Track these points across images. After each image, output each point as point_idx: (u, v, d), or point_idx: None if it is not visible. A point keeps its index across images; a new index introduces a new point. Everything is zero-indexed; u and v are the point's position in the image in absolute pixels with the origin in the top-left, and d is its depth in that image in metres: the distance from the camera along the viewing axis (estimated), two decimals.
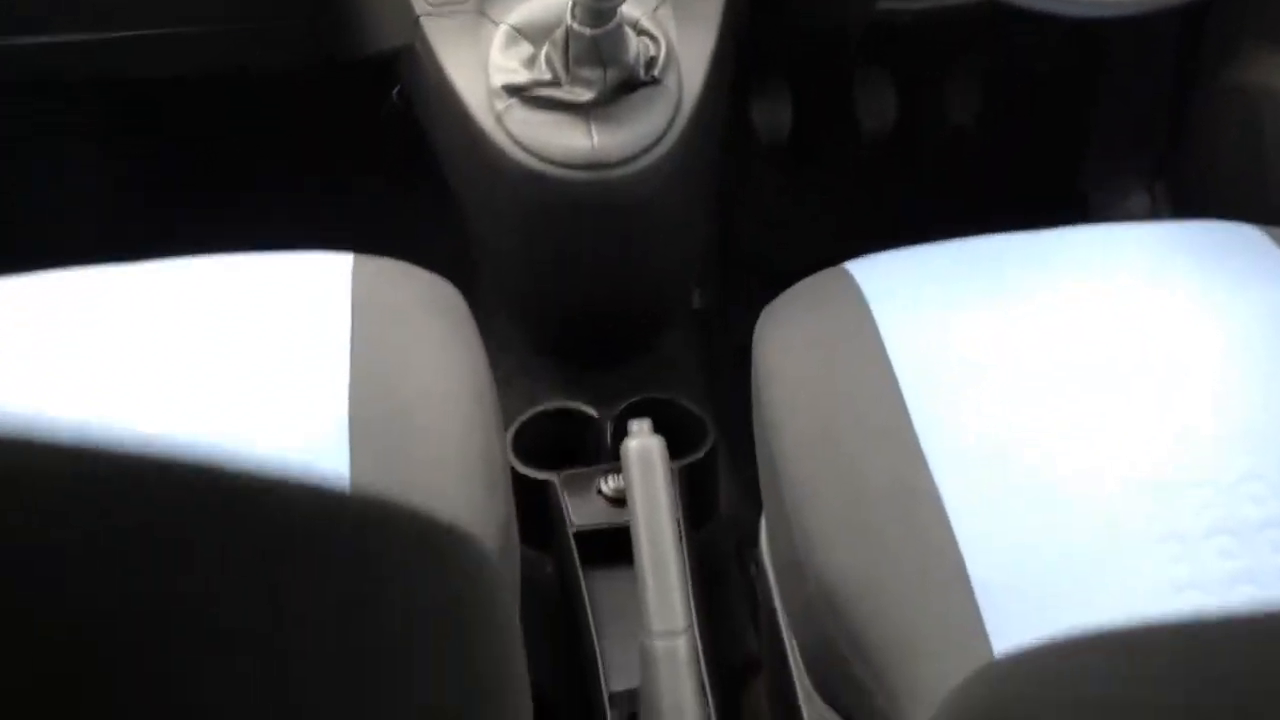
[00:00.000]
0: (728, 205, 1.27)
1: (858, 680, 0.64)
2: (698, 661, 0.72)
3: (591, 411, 1.00)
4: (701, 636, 0.82)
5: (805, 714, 0.74)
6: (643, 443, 0.78)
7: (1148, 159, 1.24)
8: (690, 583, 0.81)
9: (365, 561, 0.30)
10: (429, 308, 0.78)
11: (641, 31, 0.82)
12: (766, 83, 1.30)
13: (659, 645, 0.69)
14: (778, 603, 0.77)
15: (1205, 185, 1.16)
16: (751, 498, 0.85)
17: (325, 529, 0.29)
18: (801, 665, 0.74)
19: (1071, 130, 1.30)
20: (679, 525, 0.83)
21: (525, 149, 0.81)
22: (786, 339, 0.76)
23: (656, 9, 0.85)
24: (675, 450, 0.92)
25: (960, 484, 0.66)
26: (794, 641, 0.75)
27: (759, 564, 0.83)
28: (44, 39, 0.97)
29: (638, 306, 1.01)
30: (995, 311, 0.75)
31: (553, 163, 0.81)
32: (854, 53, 1.28)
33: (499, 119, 0.82)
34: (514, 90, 0.81)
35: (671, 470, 0.88)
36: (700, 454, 0.96)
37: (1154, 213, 1.24)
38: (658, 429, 0.85)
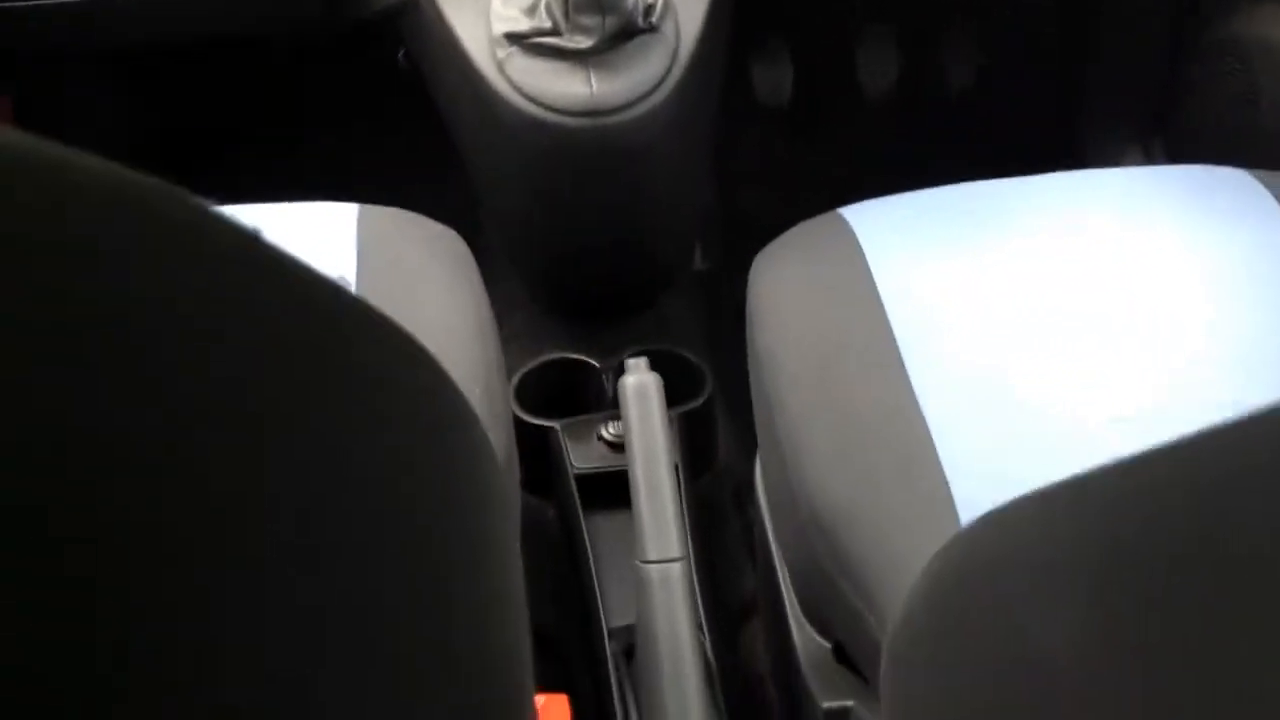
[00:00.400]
0: (730, 167, 1.29)
1: (848, 602, 0.66)
2: (693, 587, 0.73)
3: (593, 361, 1.02)
4: (700, 579, 0.84)
5: (797, 642, 0.75)
6: (639, 379, 0.80)
7: (1145, 115, 1.26)
8: (688, 522, 0.83)
9: (355, 369, 0.29)
10: (433, 253, 0.80)
11: None
12: (767, 45, 1.31)
13: (654, 570, 0.71)
14: (771, 534, 0.78)
15: (1200, 139, 1.18)
16: (749, 450, 0.87)
17: (319, 318, 0.27)
18: (794, 595, 0.76)
19: (1069, 88, 1.31)
20: (676, 465, 0.84)
21: (526, 96, 0.83)
22: (781, 278, 0.78)
23: None
24: (675, 400, 0.94)
25: (947, 413, 0.68)
26: (786, 571, 0.77)
27: (755, 504, 0.85)
28: (54, 4, 0.98)
29: (639, 258, 1.02)
30: (985, 251, 0.77)
31: (553, 109, 0.83)
32: (854, 12, 1.29)
33: (500, 67, 0.84)
34: (515, 38, 0.83)
35: (671, 418, 0.90)
36: (699, 401, 0.98)
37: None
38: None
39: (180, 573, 0.22)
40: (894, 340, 0.72)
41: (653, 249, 1.02)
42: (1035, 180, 0.82)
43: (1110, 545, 0.35)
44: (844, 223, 0.80)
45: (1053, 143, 1.32)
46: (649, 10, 0.84)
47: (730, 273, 1.25)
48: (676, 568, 0.72)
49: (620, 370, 0.94)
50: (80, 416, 0.21)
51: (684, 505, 0.82)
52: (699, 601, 0.80)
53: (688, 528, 0.80)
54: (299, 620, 0.25)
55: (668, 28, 0.85)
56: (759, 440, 0.79)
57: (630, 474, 0.75)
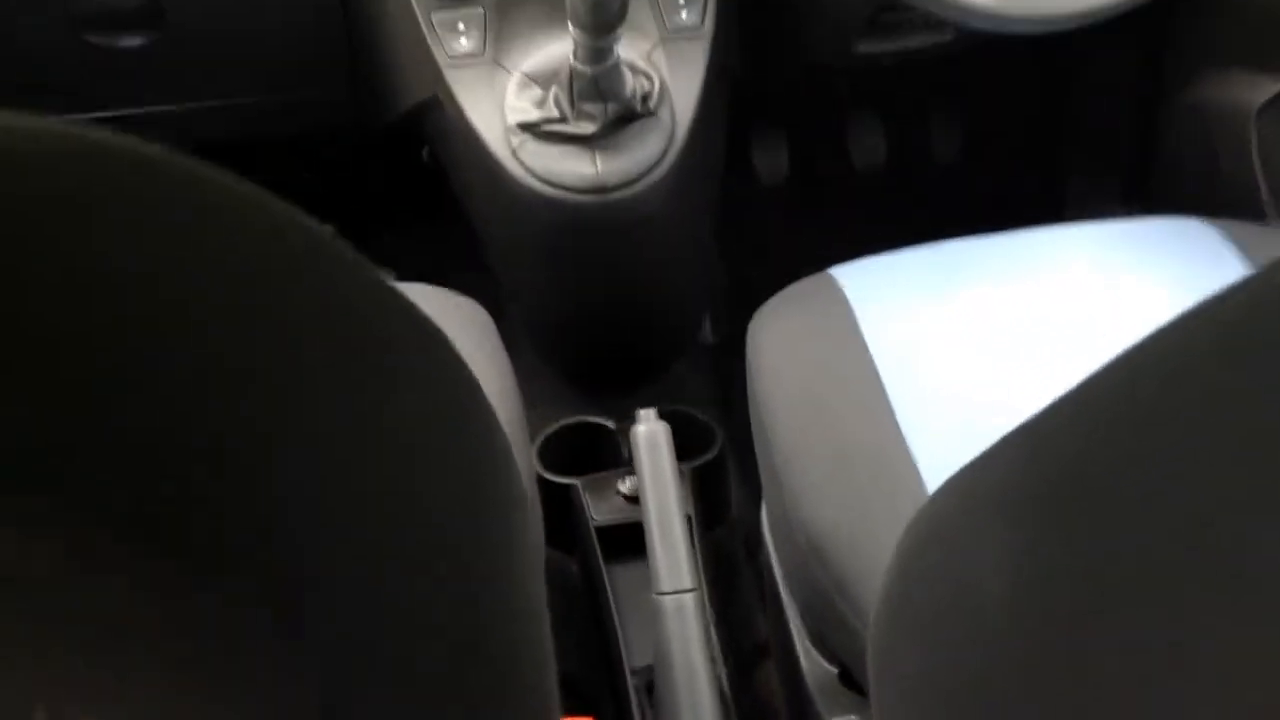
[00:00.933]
0: (735, 245, 1.37)
1: (847, 623, 0.72)
2: (706, 616, 0.79)
3: (609, 424, 1.09)
4: (716, 624, 0.90)
5: (805, 668, 0.81)
6: (650, 426, 0.87)
7: (1122, 174, 1.33)
8: (702, 567, 0.89)
9: (374, 348, 0.28)
10: (459, 323, 0.87)
11: (637, 71, 0.93)
12: (764, 131, 1.40)
13: (669, 601, 0.77)
14: (776, 566, 0.84)
15: (1173, 193, 1.25)
16: (760, 505, 0.93)
17: (343, 304, 0.27)
18: (801, 624, 0.82)
19: (1050, 153, 1.39)
20: (689, 515, 0.91)
21: (538, 177, 0.91)
22: (776, 330, 0.86)
23: (650, 52, 0.95)
24: (687, 456, 1.01)
25: (930, 445, 0.75)
26: (793, 601, 0.82)
27: (763, 542, 0.91)
28: (93, 115, 1.07)
29: (649, 326, 1.10)
30: (964, 298, 0.84)
31: (563, 188, 0.91)
32: (843, 96, 1.39)
33: (514, 153, 0.92)
34: (527, 127, 0.92)
35: (683, 471, 0.96)
36: (710, 455, 1.04)
37: None
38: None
39: (190, 577, 0.22)
40: (879, 381, 0.79)
41: (661, 317, 1.10)
42: (1013, 236, 0.90)
43: (1042, 483, 0.38)
44: (833, 280, 0.87)
45: (1037, 205, 1.40)
46: (646, 98, 0.93)
47: (738, 344, 1.33)
48: (690, 598, 0.78)
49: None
50: (95, 408, 0.21)
51: (698, 549, 0.87)
52: (713, 634, 0.85)
53: (701, 570, 0.86)
54: (305, 620, 0.25)
55: (664, 113, 0.93)
56: (762, 481, 0.86)
57: (643, 512, 0.82)
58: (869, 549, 0.71)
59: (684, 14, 0.97)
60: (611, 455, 1.08)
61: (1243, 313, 0.31)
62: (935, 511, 0.48)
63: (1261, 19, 1.12)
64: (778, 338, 0.85)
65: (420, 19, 0.95)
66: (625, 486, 1.01)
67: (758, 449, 0.85)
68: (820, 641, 0.80)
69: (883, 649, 0.55)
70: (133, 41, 1.01)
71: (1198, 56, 1.18)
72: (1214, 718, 0.30)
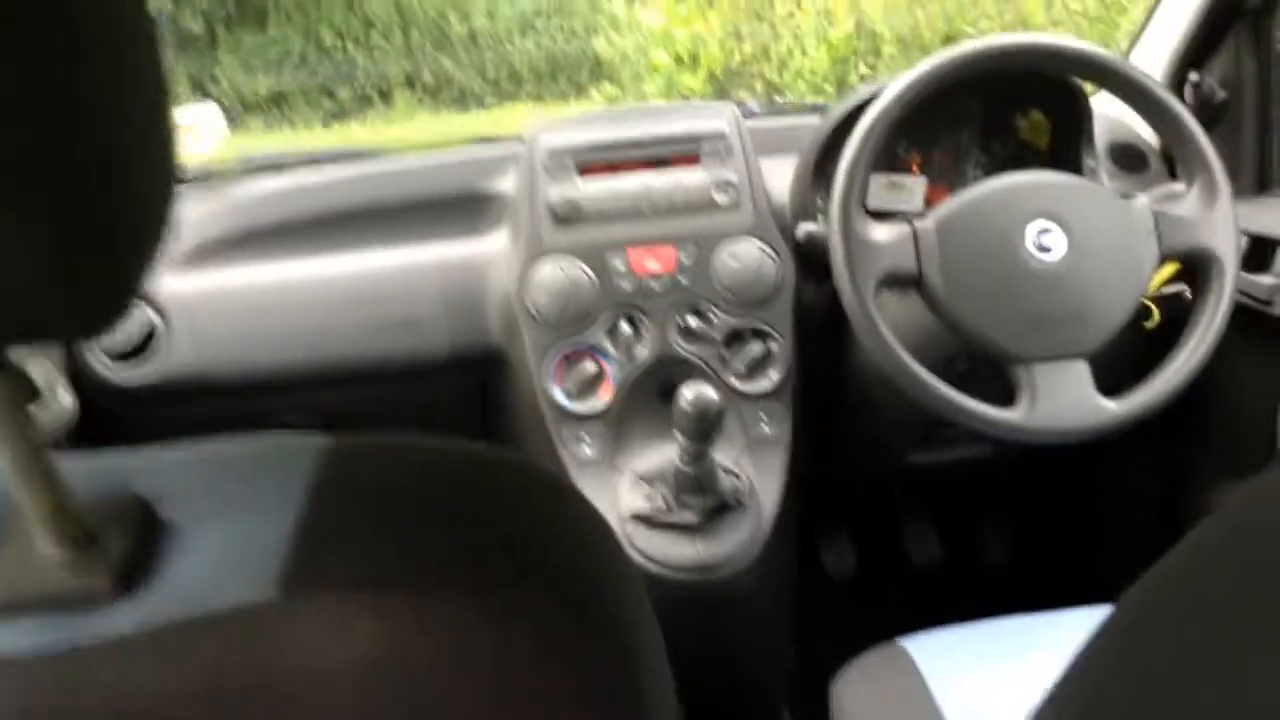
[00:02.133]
0: (807, 633, 1.50)
1: None
2: None
3: None
4: None
5: None
6: None
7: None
8: None
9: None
10: None
11: (729, 471, 1.12)
12: (831, 531, 1.58)
13: None
14: None
15: None
16: None
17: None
18: None
19: (1088, 549, 1.54)
20: None
21: (648, 559, 1.08)
22: (857, 694, 0.98)
23: (738, 456, 1.15)
24: None
25: None
26: None
27: None
28: None
29: (737, 696, 1.21)
30: (1025, 665, 0.97)
31: (670, 568, 1.07)
32: (900, 500, 1.57)
33: (628, 539, 1.09)
34: (638, 517, 1.10)
35: None
36: None
37: None
38: None
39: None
40: None
41: (747, 685, 1.22)
42: (1067, 612, 1.04)
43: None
44: (902, 648, 1.01)
45: (1081, 590, 1.53)
46: (736, 493, 1.11)
47: None
48: None
49: None
50: None
51: None
52: None
53: None
54: None
55: (752, 505, 1.12)
56: None
57: None
58: None
59: (766, 428, 1.17)
60: None
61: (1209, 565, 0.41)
62: None
63: (1246, 444, 1.31)
64: (860, 701, 0.98)
65: (551, 431, 1.16)
66: None
67: None
68: None
69: None
70: None
71: (1201, 466, 1.36)
72: None
